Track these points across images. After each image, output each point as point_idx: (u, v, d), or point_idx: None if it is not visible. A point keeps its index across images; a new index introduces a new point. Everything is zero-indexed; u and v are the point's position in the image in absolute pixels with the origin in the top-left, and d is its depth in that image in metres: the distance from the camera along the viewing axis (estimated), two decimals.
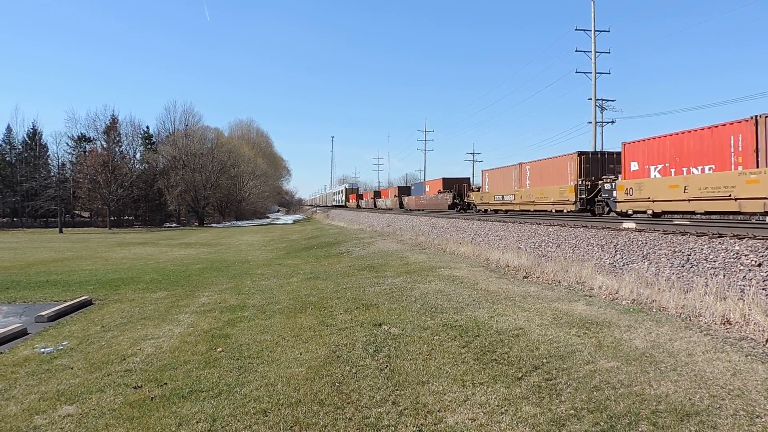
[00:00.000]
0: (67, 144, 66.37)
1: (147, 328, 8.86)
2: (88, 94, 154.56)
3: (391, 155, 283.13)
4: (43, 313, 10.00)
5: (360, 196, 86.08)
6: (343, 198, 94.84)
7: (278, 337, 7.70)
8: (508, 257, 13.90)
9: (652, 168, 17.67)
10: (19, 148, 65.73)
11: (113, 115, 67.43)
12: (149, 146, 71.30)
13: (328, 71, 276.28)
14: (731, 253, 9.63)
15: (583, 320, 7.20)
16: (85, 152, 64.66)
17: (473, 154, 77.21)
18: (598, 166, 22.46)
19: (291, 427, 4.64)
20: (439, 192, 41.36)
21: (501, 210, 30.75)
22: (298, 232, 41.77)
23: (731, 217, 16.24)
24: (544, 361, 5.67)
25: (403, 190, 57.44)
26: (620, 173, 19.68)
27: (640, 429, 4.09)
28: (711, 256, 9.94)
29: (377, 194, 72.49)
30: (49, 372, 6.58)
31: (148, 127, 72.90)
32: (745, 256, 9.30)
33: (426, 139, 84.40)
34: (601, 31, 35.19)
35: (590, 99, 35.55)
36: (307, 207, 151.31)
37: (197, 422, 4.80)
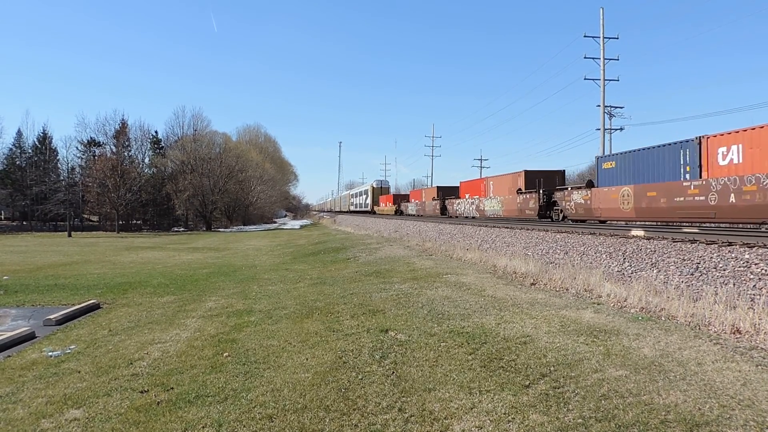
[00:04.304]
0: (77, 148, 67.26)
1: (154, 333, 8.89)
2: (98, 99, 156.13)
3: (399, 161, 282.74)
4: (51, 317, 10.07)
5: (401, 198, 57.02)
6: (369, 200, 67.60)
7: (285, 343, 7.70)
8: (516, 264, 13.84)
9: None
10: (29, 153, 66.52)
11: (123, 119, 68.38)
12: (158, 151, 71.94)
13: (336, 77, 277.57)
14: (741, 262, 9.55)
15: (591, 328, 7.15)
16: (94, 156, 65.33)
17: (480, 160, 75.81)
18: None
19: None
20: None
21: None
22: (305, 237, 41.84)
23: (741, 225, 16.20)
24: (552, 368, 5.63)
25: (543, 178, 26.45)
26: None
27: None
28: (721, 265, 9.87)
29: (448, 192, 41.27)
30: (57, 375, 6.61)
31: (156, 132, 73.77)
32: (756, 264, 9.22)
33: (433, 145, 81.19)
34: (609, 38, 35.11)
35: (599, 106, 35.47)
36: (315, 212, 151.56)
37: (203, 427, 4.80)
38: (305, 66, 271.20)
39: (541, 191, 25.48)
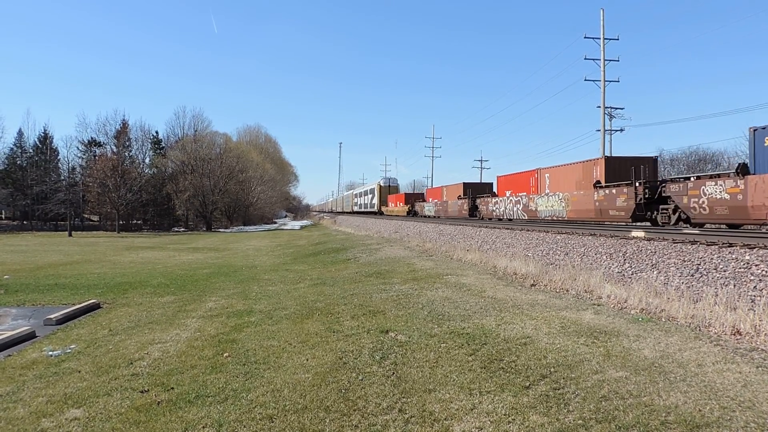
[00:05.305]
0: (78, 148, 67.29)
1: (154, 333, 8.89)
2: (98, 98, 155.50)
3: (399, 162, 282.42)
4: (51, 317, 10.07)
5: (415, 198, 50.75)
6: (375, 200, 61.72)
7: (285, 343, 7.70)
8: (516, 265, 13.84)
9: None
10: (30, 152, 66.54)
11: (123, 119, 68.35)
12: (158, 151, 71.92)
13: (337, 77, 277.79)
14: (741, 263, 9.54)
15: (591, 329, 7.15)
16: (95, 156, 65.37)
17: (481, 161, 75.58)
18: None
19: None
20: None
21: None
22: (305, 238, 41.83)
23: (748, 227, 16.15)
24: (552, 370, 5.63)
25: (634, 167, 18.97)
26: None
27: None
28: (721, 266, 9.86)
29: (478, 189, 35.54)
30: (57, 375, 6.61)
31: (157, 132, 73.68)
32: (756, 266, 9.21)
33: (434, 146, 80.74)
34: (610, 39, 35.12)
35: (599, 107, 35.47)
36: (315, 213, 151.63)
37: (203, 427, 4.80)
38: (305, 66, 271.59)
39: (638, 184, 18.01)
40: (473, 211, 34.05)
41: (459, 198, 36.32)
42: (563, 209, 23.03)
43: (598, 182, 20.69)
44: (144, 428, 4.86)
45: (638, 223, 18.72)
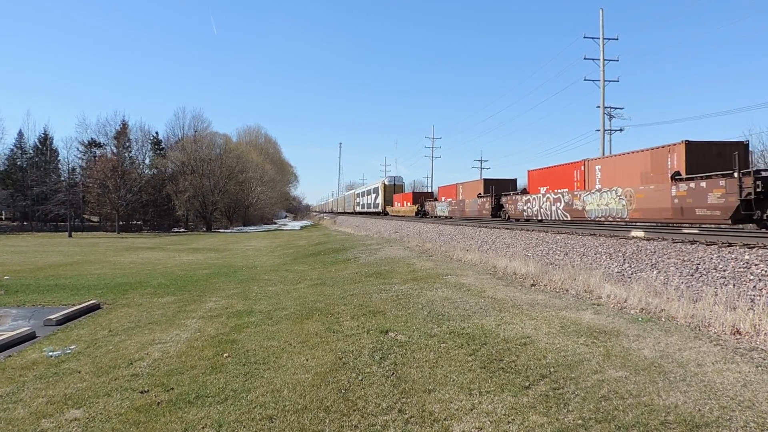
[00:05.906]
0: (78, 149, 67.30)
1: (154, 333, 8.89)
2: (98, 99, 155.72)
3: (399, 162, 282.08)
4: (51, 317, 10.07)
5: (424, 197, 47.34)
6: (379, 200, 58.91)
7: (285, 343, 7.70)
8: (516, 265, 13.84)
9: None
10: (30, 153, 66.55)
11: (123, 120, 68.26)
12: (158, 152, 71.93)
13: (337, 78, 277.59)
14: (741, 263, 9.55)
15: (591, 329, 7.15)
16: (95, 157, 65.38)
17: (481, 161, 75.55)
18: None
19: None
20: None
21: None
22: (305, 238, 41.82)
23: (743, 226, 16.10)
24: (552, 370, 5.64)
25: (718, 153, 15.84)
26: None
27: None
28: (720, 266, 9.87)
29: (502, 186, 30.92)
30: (57, 375, 6.61)
31: (157, 133, 73.65)
32: (755, 265, 9.22)
33: (434, 146, 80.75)
34: (609, 39, 35.12)
35: (598, 107, 35.48)
36: (315, 213, 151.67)
37: (203, 428, 4.81)
38: (305, 66, 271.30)
39: (740, 175, 13.63)
40: (497, 210, 29.70)
41: (479, 196, 32.07)
42: (623, 208, 18.52)
43: (677, 173, 16.10)
44: (144, 428, 4.86)
45: (740, 226, 15.02)
